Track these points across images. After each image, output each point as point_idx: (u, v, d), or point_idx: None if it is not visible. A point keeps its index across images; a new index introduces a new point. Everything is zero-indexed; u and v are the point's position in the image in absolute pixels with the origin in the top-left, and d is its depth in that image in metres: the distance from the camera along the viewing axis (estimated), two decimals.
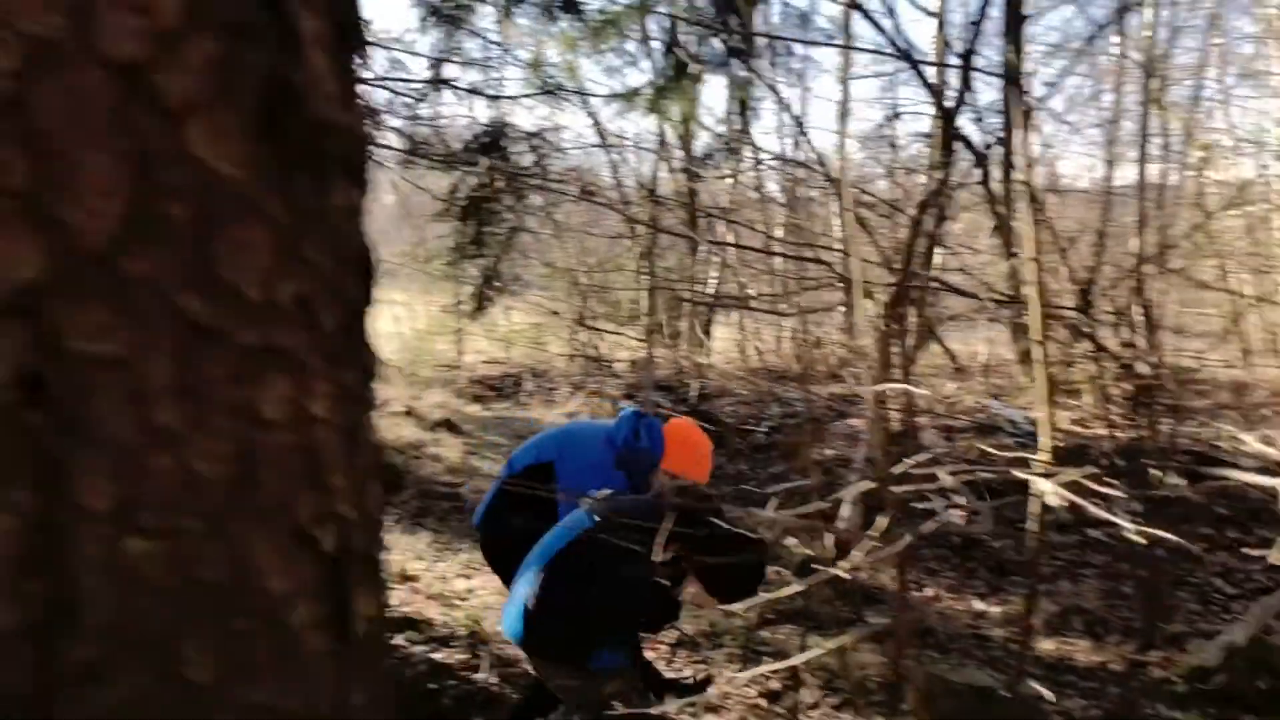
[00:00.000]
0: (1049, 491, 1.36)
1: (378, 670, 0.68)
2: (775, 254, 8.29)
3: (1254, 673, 4.05)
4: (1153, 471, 5.30)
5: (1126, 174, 11.91)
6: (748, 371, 9.72)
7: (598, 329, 9.28)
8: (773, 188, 12.70)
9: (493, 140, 7.64)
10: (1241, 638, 4.17)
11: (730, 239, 11.64)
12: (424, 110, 7.24)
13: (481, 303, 7.69)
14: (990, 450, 1.33)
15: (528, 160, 8.15)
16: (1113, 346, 5.82)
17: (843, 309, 10.81)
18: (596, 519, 2.71)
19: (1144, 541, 4.41)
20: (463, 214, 7.86)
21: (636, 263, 8.62)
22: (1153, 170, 10.58)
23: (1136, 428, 5.54)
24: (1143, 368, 5.64)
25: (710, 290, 10.76)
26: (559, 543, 2.67)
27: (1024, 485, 2.04)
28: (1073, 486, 1.29)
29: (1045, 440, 1.65)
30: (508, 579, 3.09)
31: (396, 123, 6.85)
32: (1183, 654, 4.31)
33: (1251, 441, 6.99)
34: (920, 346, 11.18)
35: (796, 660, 1.77)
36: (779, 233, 11.96)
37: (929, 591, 5.16)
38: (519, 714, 3.08)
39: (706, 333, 10.92)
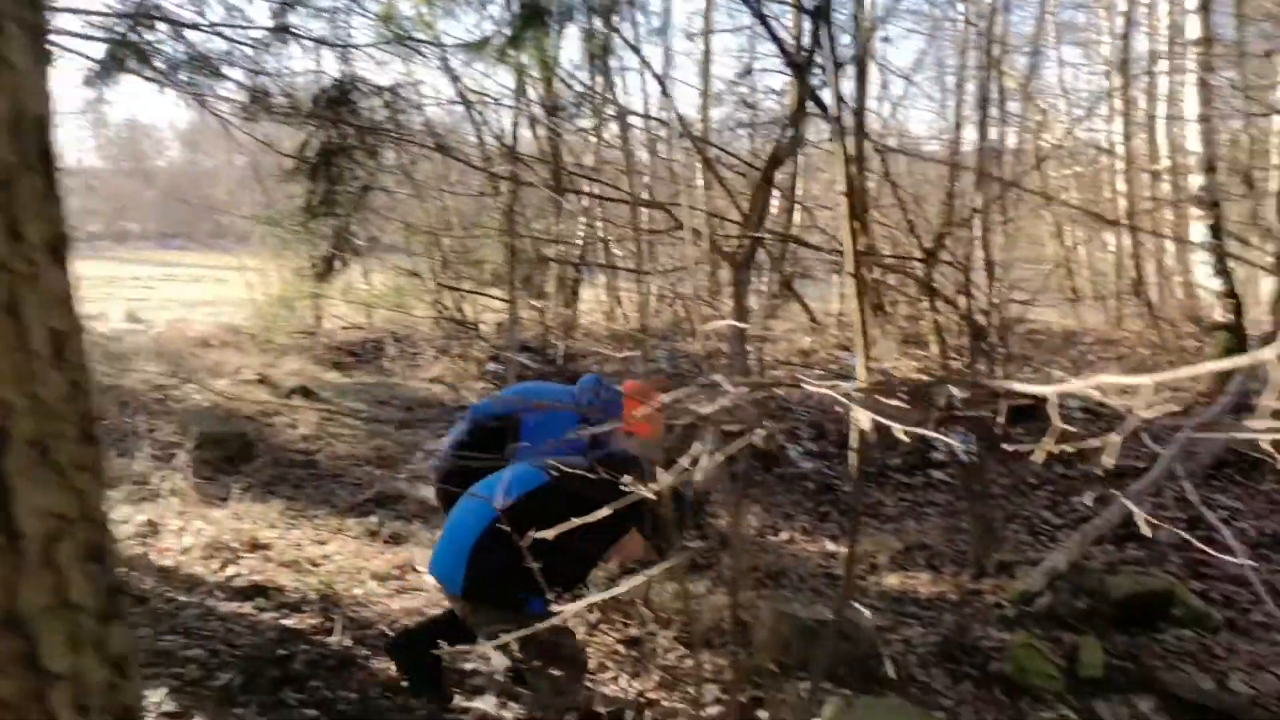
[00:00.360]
0: (862, 418, 1.42)
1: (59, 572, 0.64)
2: (634, 202, 8.30)
3: (1074, 594, 4.39)
4: (988, 413, 5.64)
5: (969, 135, 12.44)
6: (614, 331, 9.77)
7: (461, 290, 9.11)
8: (636, 146, 12.72)
9: (342, 94, 7.34)
10: (1063, 563, 4.51)
11: (594, 198, 11.62)
12: (266, 61, 6.88)
13: (332, 265, 7.42)
14: (806, 379, 1.38)
15: (380, 116, 7.87)
16: (953, 297, 6.14)
17: (703, 267, 10.98)
18: (550, 474, 2.80)
19: (977, 460, 4.67)
20: (312, 172, 7.54)
21: (499, 222, 8.48)
22: (993, 131, 11.11)
23: (975, 373, 5.88)
24: (980, 317, 5.96)
25: (576, 250, 10.73)
26: (513, 491, 2.78)
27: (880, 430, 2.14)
28: (872, 405, 1.35)
29: (861, 371, 1.72)
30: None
31: (236, 74, 6.48)
32: (1012, 581, 4.62)
33: (1080, 386, 7.53)
34: (779, 302, 11.50)
35: (608, 595, 1.81)
36: (644, 194, 12.03)
37: (784, 535, 5.35)
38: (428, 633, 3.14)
39: (574, 293, 10.89)
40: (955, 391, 4.65)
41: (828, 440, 6.78)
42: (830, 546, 5.24)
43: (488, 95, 9.42)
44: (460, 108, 9.39)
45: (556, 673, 2.81)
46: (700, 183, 11.50)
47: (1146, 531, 1.57)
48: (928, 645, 3.98)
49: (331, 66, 7.56)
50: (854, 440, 1.95)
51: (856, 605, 2.36)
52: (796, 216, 11.52)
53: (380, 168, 8.69)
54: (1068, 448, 1.28)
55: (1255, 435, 1.20)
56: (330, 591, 3.91)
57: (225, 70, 6.50)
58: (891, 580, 4.78)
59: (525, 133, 9.92)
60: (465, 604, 2.88)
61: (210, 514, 4.74)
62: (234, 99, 6.74)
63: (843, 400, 1.39)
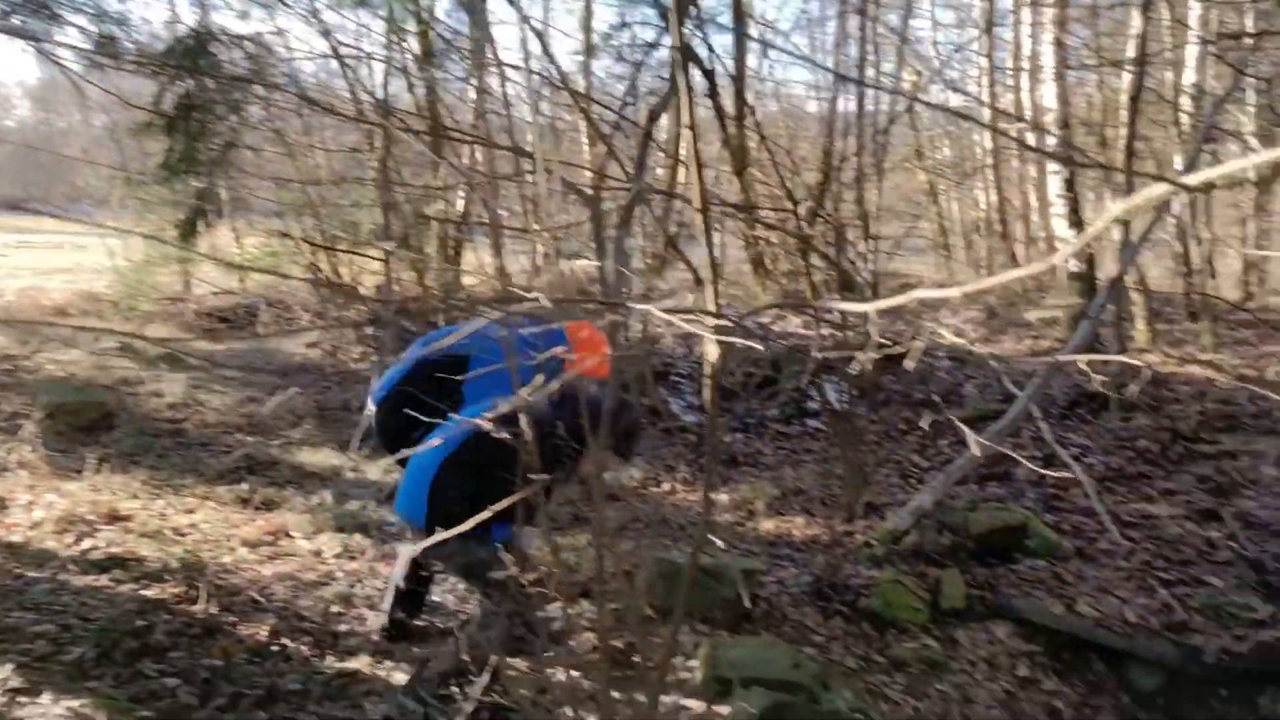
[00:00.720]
0: (710, 350, 1.44)
1: None
2: (484, 143, 8.16)
3: (939, 531, 4.61)
4: (861, 364, 5.81)
5: (848, 98, 12.69)
6: (498, 293, 9.63)
7: (336, 250, 8.81)
8: (518, 102, 12.49)
9: (200, 44, 6.95)
10: (929, 502, 4.72)
11: (477, 155, 11.38)
12: (110, 5, 6.45)
13: (195, 226, 7.06)
14: (665, 309, 1.38)
15: (242, 68, 7.50)
16: (826, 250, 6.28)
17: (588, 226, 10.91)
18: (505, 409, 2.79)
19: (848, 408, 4.80)
20: (169, 127, 7.14)
21: (375, 181, 8.22)
22: (869, 94, 11.35)
23: (849, 326, 6.05)
24: (850, 268, 6.13)
25: (457, 210, 10.51)
26: (465, 431, 2.77)
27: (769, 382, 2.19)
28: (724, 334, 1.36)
29: (710, 306, 1.74)
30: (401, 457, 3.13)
31: (78, 19, 6.05)
32: (882, 521, 4.82)
33: (947, 334, 7.81)
34: (663, 260, 11.56)
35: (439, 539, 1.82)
36: (528, 150, 11.81)
37: (666, 486, 5.43)
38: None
39: (456, 254, 10.68)
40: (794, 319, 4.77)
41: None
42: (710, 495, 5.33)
43: (360, 49, 9.10)
44: (333, 63, 9.04)
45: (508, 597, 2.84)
46: (584, 141, 11.41)
47: (976, 451, 1.65)
48: (801, 585, 4.11)
49: (189, 15, 7.14)
50: (706, 371, 1.97)
51: (718, 542, 2.39)
52: (681, 174, 11.56)
53: (245, 123, 8.29)
54: (896, 382, 1.33)
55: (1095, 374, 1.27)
56: (195, 560, 3.76)
57: (66, 15, 6.08)
58: (768, 525, 4.91)
59: (403, 91, 9.64)
60: (430, 537, 2.86)
61: (64, 486, 4.49)
62: (78, 47, 6.31)
63: (696, 331, 1.41)
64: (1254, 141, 9.36)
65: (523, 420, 2.45)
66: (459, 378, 3.39)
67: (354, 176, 9.39)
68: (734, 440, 6.19)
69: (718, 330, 1.43)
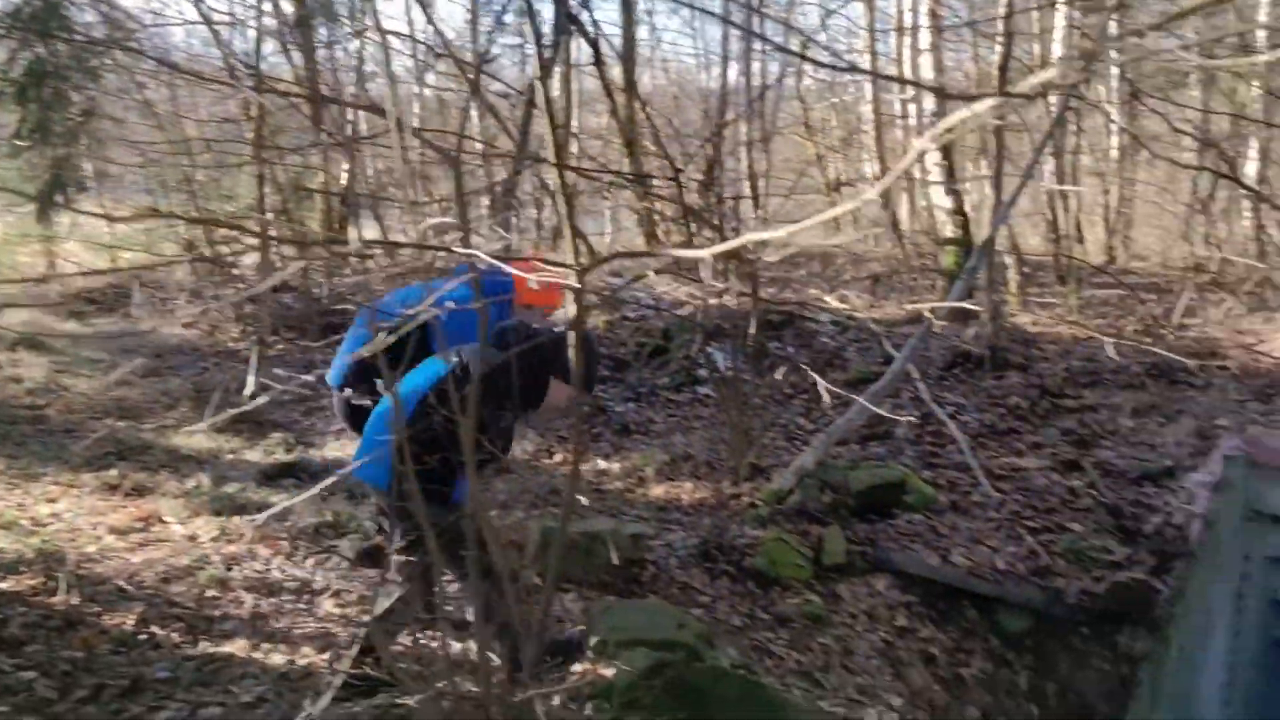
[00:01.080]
0: (571, 308, 1.43)
1: None
2: (337, 102, 7.95)
3: (821, 490, 4.73)
4: (751, 331, 5.92)
5: (736, 69, 12.78)
6: (383, 267, 9.36)
7: (209, 222, 8.43)
8: (401, 70, 12.18)
9: (50, 5, 6.53)
10: (811, 462, 4.84)
11: (361, 126, 11.05)
12: None
13: (53, 201, 6.67)
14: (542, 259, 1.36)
15: (100, 32, 7.10)
16: (711, 219, 6.34)
17: (484, 198, 10.76)
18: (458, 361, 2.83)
19: (735, 374, 4.88)
20: (20, 94, 6.71)
21: (252, 153, 7.89)
22: (756, 66, 11.46)
23: (742, 294, 6.13)
24: (744, 240, 6.20)
25: (341, 183, 10.20)
26: (424, 386, 2.80)
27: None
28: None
29: (570, 260, 1.73)
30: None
31: None
32: (768, 483, 4.92)
33: (831, 300, 7.95)
34: (557, 230, 11.47)
35: (277, 509, 1.78)
36: (415, 122, 11.55)
37: (558, 457, 5.42)
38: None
39: (342, 228, 10.37)
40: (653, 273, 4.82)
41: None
42: (602, 464, 5.35)
43: (231, 15, 8.70)
44: (204, 27, 8.59)
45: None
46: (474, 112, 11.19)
47: (826, 399, 1.69)
48: (688, 548, 4.17)
49: None
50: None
51: (583, 500, 2.42)
52: (574, 148, 11.48)
53: (106, 92, 7.84)
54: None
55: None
56: (54, 550, 3.58)
57: None
58: (658, 491, 4.96)
59: (283, 62, 9.25)
60: (392, 499, 2.82)
61: None
62: None
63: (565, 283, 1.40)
64: (1114, 110, 9.85)
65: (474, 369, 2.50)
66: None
67: (230, 148, 8.98)
68: (626, 409, 6.22)
69: (577, 280, 1.42)
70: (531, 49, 12.22)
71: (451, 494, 2.78)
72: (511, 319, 3.49)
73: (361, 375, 3.47)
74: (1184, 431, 5.41)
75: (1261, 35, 8.86)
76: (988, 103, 1.21)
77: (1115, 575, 4.41)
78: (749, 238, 1.21)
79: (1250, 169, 10.08)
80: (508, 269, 3.64)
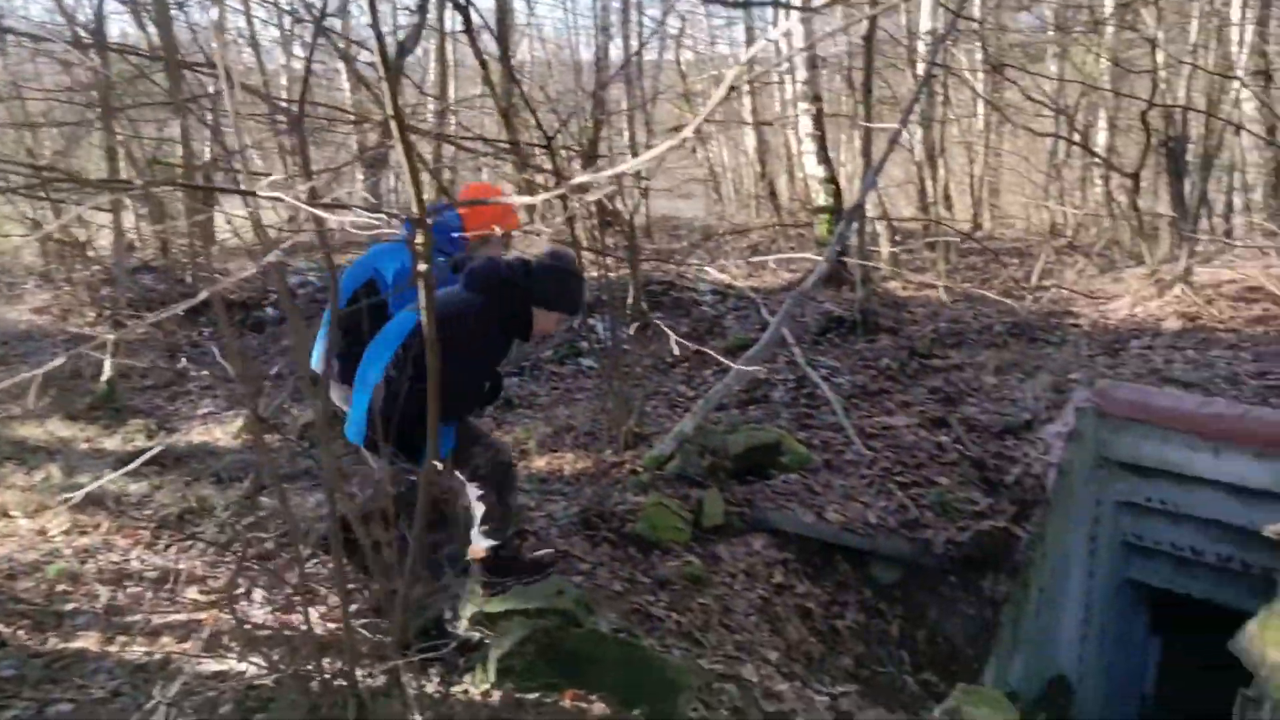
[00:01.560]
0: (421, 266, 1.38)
1: None
2: (172, 62, 7.59)
3: (700, 454, 4.79)
4: (631, 301, 5.93)
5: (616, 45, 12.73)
6: (253, 247, 9.00)
7: (54, 199, 7.90)
8: (266, 38, 11.65)
9: None
10: (690, 428, 4.90)
11: (223, 96, 10.51)
12: None
13: None
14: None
15: None
16: (601, 198, 6.30)
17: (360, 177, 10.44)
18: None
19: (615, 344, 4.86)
20: None
21: (102, 125, 7.41)
22: (635, 43, 11.43)
23: (624, 266, 6.13)
24: (627, 214, 6.18)
25: (204, 158, 9.70)
26: (395, 341, 2.94)
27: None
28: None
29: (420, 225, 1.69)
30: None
31: None
32: (649, 450, 4.96)
33: (712, 271, 8.01)
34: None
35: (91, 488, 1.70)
36: (284, 94, 11.07)
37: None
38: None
39: (206, 203, 9.88)
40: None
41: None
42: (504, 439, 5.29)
43: None
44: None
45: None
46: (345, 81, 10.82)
47: (676, 351, 1.70)
48: (569, 517, 4.17)
49: None
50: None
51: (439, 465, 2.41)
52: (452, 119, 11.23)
53: None
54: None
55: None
56: None
57: None
58: (540, 463, 4.94)
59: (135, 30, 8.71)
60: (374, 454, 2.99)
61: None
62: None
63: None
64: (978, 82, 10.24)
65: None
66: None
67: (79, 121, 8.42)
68: (510, 384, 6.16)
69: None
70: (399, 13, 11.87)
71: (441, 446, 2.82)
72: (474, 257, 3.48)
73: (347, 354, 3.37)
74: (1041, 386, 5.70)
75: (1109, 5, 9.34)
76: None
77: (979, 525, 4.63)
78: (590, 177, 1.19)
79: (1100, 139, 10.66)
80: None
